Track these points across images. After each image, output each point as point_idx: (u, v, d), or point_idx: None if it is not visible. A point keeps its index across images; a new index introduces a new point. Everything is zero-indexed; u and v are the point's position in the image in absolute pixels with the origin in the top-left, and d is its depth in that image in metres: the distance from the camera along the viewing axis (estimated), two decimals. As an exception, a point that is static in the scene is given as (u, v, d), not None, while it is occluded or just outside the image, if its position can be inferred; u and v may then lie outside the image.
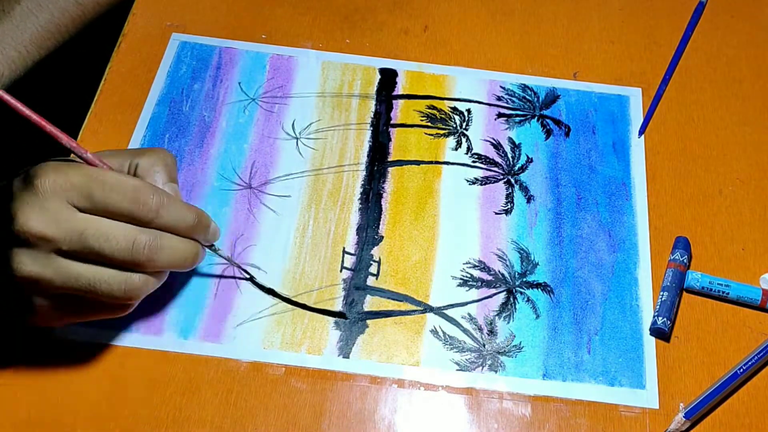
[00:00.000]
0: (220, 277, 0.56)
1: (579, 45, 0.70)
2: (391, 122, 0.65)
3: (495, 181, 0.62)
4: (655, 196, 0.62)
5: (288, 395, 0.52)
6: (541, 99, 0.66)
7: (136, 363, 0.53)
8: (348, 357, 0.54)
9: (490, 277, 0.58)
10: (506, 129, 0.65)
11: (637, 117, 0.66)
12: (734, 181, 0.63)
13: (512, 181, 0.62)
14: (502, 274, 0.58)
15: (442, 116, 0.65)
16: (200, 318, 0.55)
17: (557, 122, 0.65)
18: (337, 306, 0.56)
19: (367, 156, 0.63)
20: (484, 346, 0.55)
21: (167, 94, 0.65)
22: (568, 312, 0.56)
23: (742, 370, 0.53)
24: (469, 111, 0.66)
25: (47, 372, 0.52)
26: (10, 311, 0.49)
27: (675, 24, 0.71)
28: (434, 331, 0.55)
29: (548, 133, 0.65)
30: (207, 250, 0.53)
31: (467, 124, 0.65)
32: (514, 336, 0.55)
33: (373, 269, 0.58)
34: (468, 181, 0.62)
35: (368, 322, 0.55)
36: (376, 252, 0.58)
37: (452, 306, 0.56)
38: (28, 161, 0.48)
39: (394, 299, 0.56)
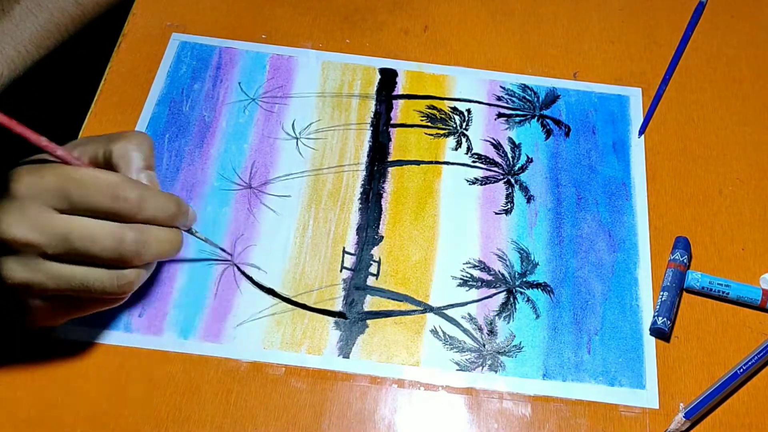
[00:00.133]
0: (220, 277, 0.56)
1: (579, 45, 0.70)
2: (391, 122, 0.65)
3: (495, 181, 0.62)
4: (655, 196, 0.62)
5: (288, 395, 0.52)
6: (541, 99, 0.66)
7: (136, 363, 0.53)
8: (348, 357, 0.54)
9: (490, 277, 0.58)
10: (506, 129, 0.65)
11: (637, 117, 0.66)
12: (734, 181, 0.63)
13: (512, 181, 0.62)
14: (502, 274, 0.58)
15: (442, 116, 0.65)
16: (200, 318, 0.55)
17: (557, 122, 0.65)
18: (337, 306, 0.56)
19: (367, 156, 0.63)
20: (484, 346, 0.55)
21: (167, 94, 0.65)
22: (568, 312, 0.56)
23: (742, 370, 0.53)
24: (469, 111, 0.66)
25: (47, 372, 0.52)
26: (8, 315, 0.48)
27: (675, 24, 0.71)
28: (434, 331, 0.55)
29: (548, 133, 0.65)
30: (185, 233, 0.52)
31: (467, 124, 0.65)
32: (514, 336, 0.55)
33: (373, 269, 0.58)
34: (468, 181, 0.62)
35: (368, 322, 0.55)
36: (376, 252, 0.58)
37: (452, 306, 0.56)
38: (7, 163, 0.47)
39: (394, 299, 0.56)
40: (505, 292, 0.57)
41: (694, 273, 0.57)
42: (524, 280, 0.58)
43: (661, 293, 0.56)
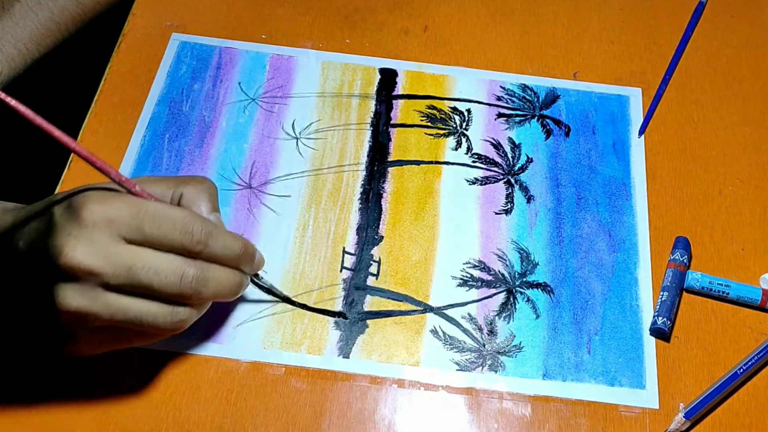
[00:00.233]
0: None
1: (579, 45, 0.70)
2: (391, 122, 0.65)
3: (495, 181, 0.62)
4: (655, 196, 0.62)
5: (288, 395, 0.52)
6: (541, 99, 0.66)
7: (136, 363, 0.53)
8: (348, 357, 0.54)
9: (490, 277, 0.58)
10: (506, 129, 0.65)
11: (637, 117, 0.66)
12: (734, 181, 0.63)
13: (512, 181, 0.62)
14: (502, 274, 0.58)
15: (442, 116, 0.65)
16: (200, 318, 0.55)
17: (557, 122, 0.65)
18: (337, 306, 0.56)
19: (367, 156, 0.63)
20: (484, 346, 0.55)
21: (167, 94, 0.65)
22: (568, 312, 0.57)
23: (742, 370, 0.53)
24: (469, 111, 0.66)
25: (47, 372, 0.52)
26: (50, 342, 0.47)
27: (675, 24, 0.71)
28: (434, 331, 0.55)
29: (548, 133, 0.65)
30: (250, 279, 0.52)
31: (467, 124, 0.65)
32: (514, 336, 0.55)
33: (373, 269, 0.58)
34: (468, 181, 0.62)
35: (368, 322, 0.55)
36: (376, 252, 0.58)
37: (452, 306, 0.56)
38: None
39: (394, 299, 0.56)
40: (505, 292, 0.57)
41: (694, 273, 0.57)
42: (524, 280, 0.58)
43: (661, 293, 0.56)
